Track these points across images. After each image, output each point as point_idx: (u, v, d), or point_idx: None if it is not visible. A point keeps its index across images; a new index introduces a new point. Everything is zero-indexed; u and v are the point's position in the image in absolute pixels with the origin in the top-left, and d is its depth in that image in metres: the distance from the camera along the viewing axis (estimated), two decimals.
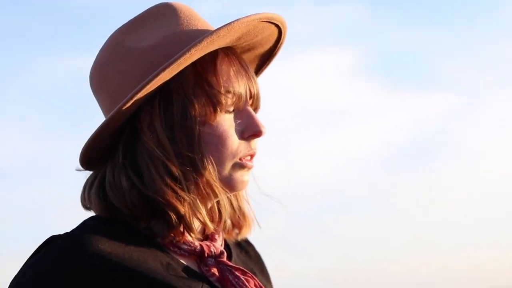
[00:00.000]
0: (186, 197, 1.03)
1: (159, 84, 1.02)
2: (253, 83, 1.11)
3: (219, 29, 1.03)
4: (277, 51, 1.17)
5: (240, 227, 1.16)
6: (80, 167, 1.11)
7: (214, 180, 1.05)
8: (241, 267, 1.12)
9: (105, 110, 1.09)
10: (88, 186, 1.09)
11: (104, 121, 1.04)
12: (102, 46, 1.11)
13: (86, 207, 1.10)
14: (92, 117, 1.15)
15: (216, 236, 1.12)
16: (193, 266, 1.09)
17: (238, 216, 1.15)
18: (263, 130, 1.09)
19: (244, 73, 1.09)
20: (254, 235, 1.22)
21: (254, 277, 1.12)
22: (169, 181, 1.02)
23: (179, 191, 1.03)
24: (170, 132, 1.04)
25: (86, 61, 1.16)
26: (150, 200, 1.03)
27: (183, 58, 1.01)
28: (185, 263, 1.08)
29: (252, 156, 1.10)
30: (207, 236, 1.11)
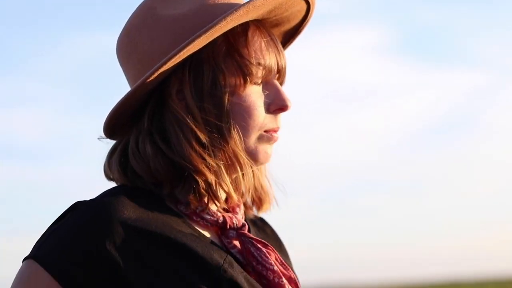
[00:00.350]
0: (213, 164, 1.03)
1: (192, 51, 1.03)
2: (282, 56, 1.11)
3: (244, 4, 1.03)
4: (302, 28, 1.18)
5: (259, 204, 1.16)
6: (103, 136, 1.12)
7: (240, 150, 1.05)
8: (263, 240, 1.12)
9: (133, 77, 1.10)
10: (109, 154, 1.11)
11: (135, 85, 1.05)
12: (132, 14, 1.11)
13: (109, 177, 1.11)
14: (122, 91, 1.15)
15: (237, 209, 1.12)
16: (214, 237, 1.09)
17: (259, 192, 1.15)
18: (290, 104, 1.10)
19: (273, 46, 1.10)
20: (276, 215, 1.21)
21: (275, 250, 1.11)
22: (197, 147, 1.03)
23: (207, 157, 1.03)
24: (199, 100, 1.04)
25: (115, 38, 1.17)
26: (176, 166, 1.03)
27: (218, 26, 1.02)
28: (207, 233, 1.08)
29: (276, 131, 1.10)
30: (227, 209, 1.12)
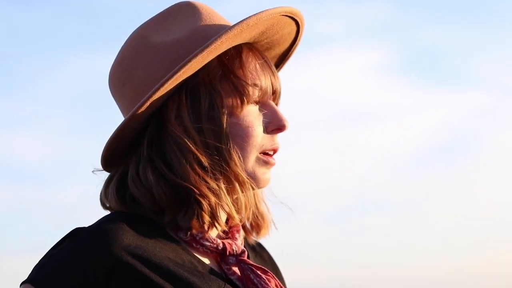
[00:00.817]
0: (215, 186, 1.03)
1: (187, 75, 1.03)
2: (276, 78, 1.12)
3: (248, 18, 1.04)
4: (293, 50, 1.18)
5: (258, 228, 1.15)
6: (98, 168, 1.12)
7: (241, 171, 1.05)
8: (262, 267, 1.11)
9: (127, 106, 1.09)
10: (106, 184, 1.10)
11: (130, 113, 1.04)
12: (124, 43, 1.12)
13: (105, 206, 1.10)
14: (118, 117, 1.15)
15: (237, 235, 1.12)
16: (214, 264, 1.09)
17: (257, 217, 1.14)
18: (287, 124, 1.10)
19: (268, 67, 1.11)
20: (278, 237, 1.21)
21: (275, 277, 1.11)
22: (199, 170, 1.03)
23: (209, 180, 1.03)
24: (198, 123, 1.04)
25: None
26: (179, 191, 1.03)
27: (212, 46, 1.02)
28: (207, 260, 1.08)
29: (275, 151, 1.10)
30: (227, 235, 1.11)
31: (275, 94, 1.11)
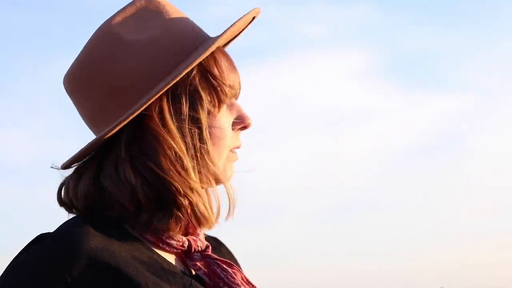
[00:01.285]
0: (197, 187, 1.04)
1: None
2: (239, 76, 1.14)
3: (234, 25, 1.08)
4: (237, 37, 1.18)
5: (206, 221, 1.12)
6: (56, 165, 1.10)
7: (217, 171, 1.07)
8: (228, 260, 1.12)
9: (100, 109, 1.08)
10: (74, 183, 1.07)
11: (118, 121, 1.03)
12: (92, 41, 1.09)
13: (69, 206, 1.09)
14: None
15: (198, 231, 1.11)
16: (179, 261, 1.09)
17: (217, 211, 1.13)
18: (252, 122, 1.13)
19: (234, 65, 1.13)
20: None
21: (240, 270, 1.12)
22: (181, 170, 1.03)
23: (190, 180, 1.04)
24: (180, 123, 1.04)
25: None
26: (160, 191, 1.03)
27: (198, 60, 1.03)
28: (172, 259, 1.08)
29: (239, 147, 1.13)
30: (187, 232, 1.11)
31: (239, 91, 1.13)
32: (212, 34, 1.11)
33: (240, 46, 1.19)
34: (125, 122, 1.02)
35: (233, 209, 1.10)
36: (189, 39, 1.07)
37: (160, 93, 1.02)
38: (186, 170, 1.03)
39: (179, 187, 1.03)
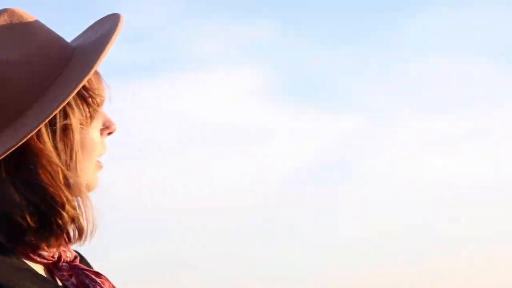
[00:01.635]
0: (73, 201, 1.08)
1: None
2: (104, 83, 1.16)
3: (103, 54, 1.08)
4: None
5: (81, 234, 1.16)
6: None
7: (89, 181, 1.12)
8: (96, 270, 1.16)
9: None
10: None
11: (8, 147, 1.04)
12: None
13: None
14: None
15: (67, 248, 1.15)
16: (48, 273, 1.12)
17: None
18: (117, 128, 1.17)
19: (99, 75, 1.15)
20: None
21: (108, 279, 1.15)
22: (60, 184, 1.06)
23: (70, 194, 1.07)
24: (54, 139, 1.07)
25: None
26: (42, 209, 1.05)
27: (78, 88, 1.05)
28: (41, 269, 1.10)
29: (103, 154, 1.17)
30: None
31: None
32: None
33: (133, 61, 1.08)
34: (9, 150, 1.03)
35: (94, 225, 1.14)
36: (58, 54, 1.10)
37: (43, 122, 1.04)
38: (66, 184, 1.07)
39: (60, 201, 1.06)
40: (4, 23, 1.11)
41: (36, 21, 1.14)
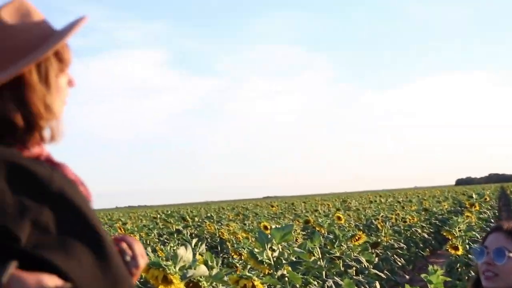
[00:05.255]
0: (47, 116, 1.46)
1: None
2: (70, 52, 1.54)
3: (68, 33, 1.46)
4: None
5: None
6: None
7: (59, 109, 1.52)
8: (61, 162, 1.50)
9: None
10: None
11: (14, 69, 1.39)
12: None
13: None
14: None
15: (43, 148, 1.50)
16: None
17: None
18: (75, 83, 1.57)
19: (68, 47, 1.53)
20: None
21: (68, 167, 1.50)
22: (42, 105, 1.44)
23: (45, 111, 1.45)
24: (40, 77, 1.45)
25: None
26: (28, 117, 1.42)
27: (55, 48, 1.44)
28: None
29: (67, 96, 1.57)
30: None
31: None
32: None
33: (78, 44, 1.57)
34: (12, 75, 1.38)
35: (56, 137, 1.50)
36: (45, 29, 1.49)
37: (32, 61, 1.41)
38: (45, 104, 1.44)
39: (40, 113, 1.42)
40: (16, 6, 1.47)
41: (35, 9, 1.49)
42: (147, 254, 1.54)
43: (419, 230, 14.84)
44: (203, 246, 4.29)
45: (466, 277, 7.72)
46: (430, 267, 4.07)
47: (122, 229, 15.32)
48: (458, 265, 8.13)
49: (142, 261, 1.55)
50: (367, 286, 7.26)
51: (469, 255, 7.80)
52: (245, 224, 15.87)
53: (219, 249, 13.25)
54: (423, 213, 18.73)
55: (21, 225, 1.25)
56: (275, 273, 5.03)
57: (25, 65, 1.40)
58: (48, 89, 1.45)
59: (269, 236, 4.93)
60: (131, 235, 10.08)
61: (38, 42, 1.45)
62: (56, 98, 1.48)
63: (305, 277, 5.77)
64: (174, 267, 3.21)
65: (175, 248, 7.25)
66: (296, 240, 10.41)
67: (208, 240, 14.89)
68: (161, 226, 19.31)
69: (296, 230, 11.72)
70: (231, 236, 11.85)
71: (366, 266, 8.18)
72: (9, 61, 1.41)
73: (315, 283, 5.91)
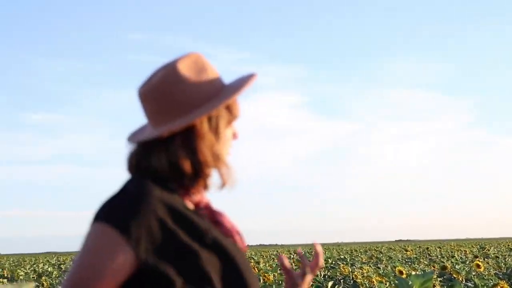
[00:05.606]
0: (213, 165, 1.50)
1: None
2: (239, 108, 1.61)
3: (239, 91, 1.51)
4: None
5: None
6: (130, 142, 1.54)
7: (225, 158, 1.56)
8: (219, 211, 1.54)
9: (161, 113, 1.49)
10: (145, 157, 1.49)
11: (184, 121, 1.45)
12: (164, 72, 1.51)
13: (141, 170, 1.48)
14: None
15: (203, 196, 1.56)
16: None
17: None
18: (238, 136, 1.62)
19: (237, 102, 1.58)
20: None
21: (227, 217, 1.55)
22: (210, 154, 1.48)
23: (212, 161, 1.49)
24: (210, 127, 1.50)
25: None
26: (196, 165, 1.47)
27: (226, 103, 1.50)
28: (191, 206, 1.49)
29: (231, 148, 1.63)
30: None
31: None
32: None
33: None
34: (184, 125, 1.45)
35: (227, 183, 1.54)
36: (217, 84, 1.54)
37: (205, 113, 1.47)
38: (213, 154, 1.49)
39: (208, 162, 1.48)
40: (193, 59, 1.54)
41: (208, 64, 1.55)
42: None
43: None
44: None
45: None
46: None
47: (256, 268, 15.54)
48: None
49: None
50: None
51: None
52: (378, 268, 15.68)
53: None
54: None
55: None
56: None
57: (198, 116, 1.45)
58: (217, 139, 1.50)
59: (409, 282, 4.91)
60: (265, 275, 10.23)
61: (211, 95, 1.51)
62: (223, 148, 1.53)
63: None
64: None
65: None
66: (434, 287, 10.20)
67: (341, 282, 14.83)
68: (294, 267, 19.40)
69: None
70: (365, 280, 11.77)
71: None
72: (182, 111, 1.48)
73: None
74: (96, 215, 1.37)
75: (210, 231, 1.45)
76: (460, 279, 9.82)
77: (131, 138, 1.55)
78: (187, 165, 1.45)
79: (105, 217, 1.36)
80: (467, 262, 14.80)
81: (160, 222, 1.37)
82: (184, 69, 1.50)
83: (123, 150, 1.52)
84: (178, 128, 1.45)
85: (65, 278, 1.36)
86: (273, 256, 32.37)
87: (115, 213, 1.36)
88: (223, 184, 1.52)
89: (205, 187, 1.51)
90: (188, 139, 1.47)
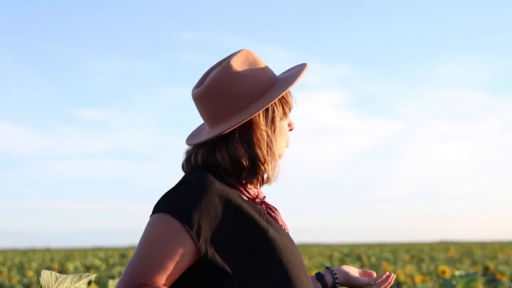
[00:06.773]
0: (270, 159, 1.50)
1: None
2: (293, 100, 1.62)
3: (294, 81, 1.52)
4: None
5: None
6: (189, 144, 1.55)
7: (281, 152, 1.58)
8: (274, 207, 1.57)
9: (220, 111, 1.49)
10: (207, 154, 1.49)
11: (241, 118, 1.45)
12: (219, 71, 1.50)
13: (204, 164, 1.49)
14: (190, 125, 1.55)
15: (260, 190, 1.59)
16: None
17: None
18: (294, 127, 1.65)
19: (291, 94, 1.60)
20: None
21: (279, 212, 1.58)
22: (266, 147, 1.48)
23: (268, 155, 1.49)
24: (266, 121, 1.50)
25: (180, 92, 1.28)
26: (253, 159, 1.47)
27: (282, 94, 1.49)
28: (247, 200, 1.51)
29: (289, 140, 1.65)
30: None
31: None
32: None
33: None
34: (243, 121, 1.44)
35: (277, 177, 1.56)
36: (270, 77, 1.55)
37: (264, 105, 1.47)
38: (268, 147, 1.49)
39: (264, 156, 1.48)
40: (245, 55, 1.54)
41: (259, 58, 1.55)
42: None
43: None
44: None
45: None
46: None
47: None
48: None
49: None
50: None
51: None
52: (420, 267, 15.70)
53: None
54: None
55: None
56: None
57: (259, 109, 1.46)
58: (273, 132, 1.51)
59: (453, 282, 4.99)
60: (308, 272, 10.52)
61: (265, 88, 1.51)
62: (280, 141, 1.54)
63: None
64: None
65: None
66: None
67: None
68: (337, 265, 19.48)
69: None
70: (408, 279, 11.90)
71: None
72: (240, 106, 1.48)
73: None
74: (157, 206, 1.39)
75: (269, 225, 1.46)
76: (504, 279, 9.87)
77: (191, 140, 1.57)
78: (245, 161, 1.47)
79: (166, 207, 1.37)
80: (510, 263, 14.74)
81: (221, 214, 1.38)
82: (237, 65, 1.51)
83: (167, 146, 1.55)
84: (239, 123, 1.45)
85: (126, 266, 1.38)
86: (316, 254, 32.48)
87: (176, 204, 1.37)
88: (267, 180, 1.54)
89: (261, 182, 1.53)
90: (246, 133, 1.48)
